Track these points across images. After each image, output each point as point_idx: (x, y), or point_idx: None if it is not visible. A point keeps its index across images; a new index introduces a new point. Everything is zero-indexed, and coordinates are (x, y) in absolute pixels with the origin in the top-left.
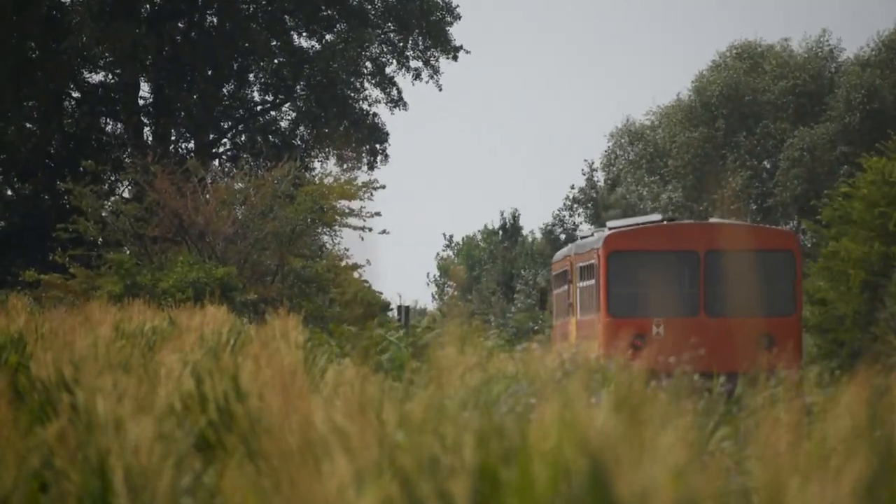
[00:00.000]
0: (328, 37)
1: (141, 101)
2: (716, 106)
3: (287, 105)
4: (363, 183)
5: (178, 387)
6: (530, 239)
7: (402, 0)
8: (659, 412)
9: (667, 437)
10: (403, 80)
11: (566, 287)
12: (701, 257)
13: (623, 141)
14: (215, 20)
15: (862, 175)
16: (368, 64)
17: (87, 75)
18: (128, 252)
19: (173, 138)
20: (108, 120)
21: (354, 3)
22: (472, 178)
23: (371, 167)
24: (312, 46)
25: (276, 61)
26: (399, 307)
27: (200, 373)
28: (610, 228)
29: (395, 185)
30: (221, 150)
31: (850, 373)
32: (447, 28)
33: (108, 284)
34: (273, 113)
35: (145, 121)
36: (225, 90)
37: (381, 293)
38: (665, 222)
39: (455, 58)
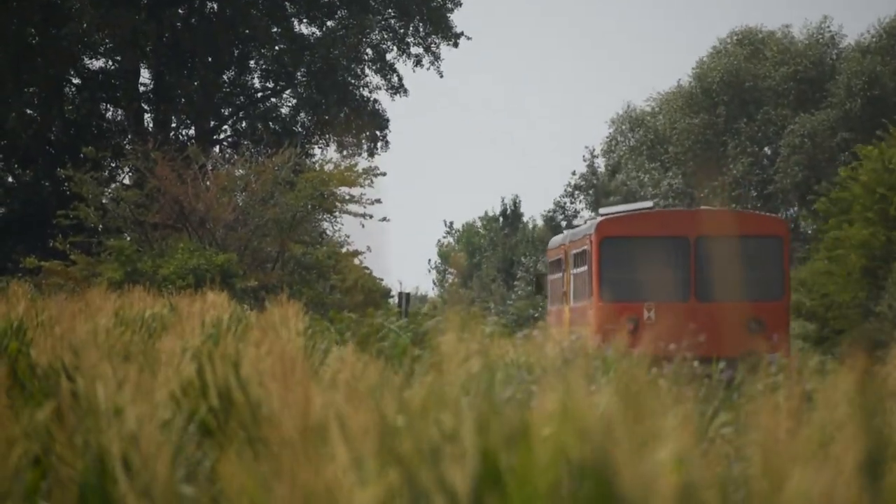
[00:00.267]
0: (329, 23)
1: (141, 88)
2: (716, 92)
3: (288, 92)
4: (363, 170)
5: (178, 373)
6: (531, 226)
7: None
8: (660, 399)
9: (668, 424)
10: (404, 67)
11: (561, 274)
12: (691, 243)
13: (624, 127)
14: (215, 6)
15: (860, 163)
16: (369, 50)
17: (88, 62)
18: (128, 239)
19: (174, 125)
20: (108, 106)
21: None
22: (472, 164)
23: (371, 154)
24: (313, 33)
25: (276, 48)
26: (399, 294)
27: (201, 359)
28: (602, 215)
29: (396, 172)
30: (222, 136)
31: (848, 359)
32: (448, 14)
33: (109, 271)
34: (273, 99)
35: (146, 107)
36: (225, 77)
37: (382, 280)
38: (656, 209)
39: (456, 44)
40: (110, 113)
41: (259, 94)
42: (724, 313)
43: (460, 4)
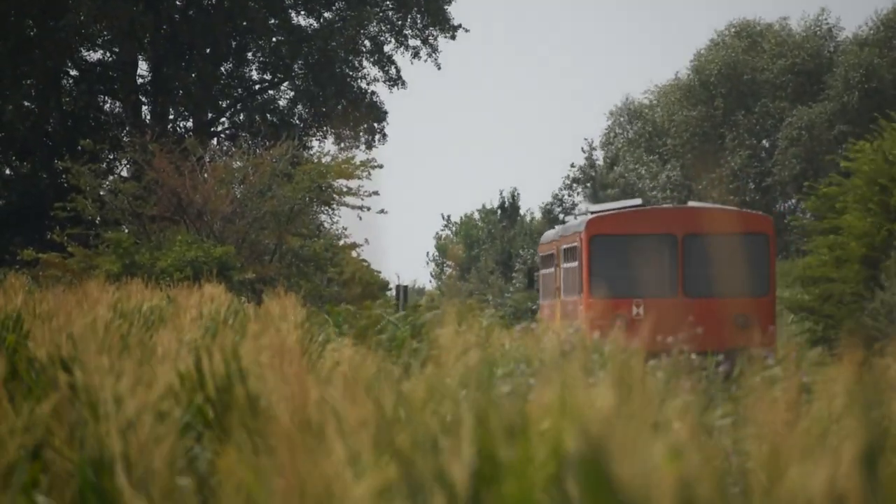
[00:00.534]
0: (326, 15)
1: (139, 80)
2: (714, 85)
3: (285, 84)
4: (361, 162)
5: (175, 365)
6: (529, 218)
7: None
8: (658, 391)
9: (665, 416)
10: (402, 59)
11: (553, 269)
12: (679, 240)
13: (622, 119)
14: None
15: (858, 157)
16: (367, 42)
17: (86, 54)
18: (126, 231)
19: (171, 117)
20: (106, 98)
21: None
22: (470, 157)
23: (369, 146)
24: (311, 25)
25: (274, 40)
26: (397, 287)
27: (199, 351)
28: (592, 213)
29: (394, 165)
30: (220, 128)
31: (846, 353)
32: (445, 6)
33: (107, 263)
34: (271, 92)
35: (143, 99)
36: (223, 69)
37: (380, 272)
38: (645, 207)
39: (454, 36)
40: (108, 105)
41: (257, 87)
42: (712, 309)
43: None
